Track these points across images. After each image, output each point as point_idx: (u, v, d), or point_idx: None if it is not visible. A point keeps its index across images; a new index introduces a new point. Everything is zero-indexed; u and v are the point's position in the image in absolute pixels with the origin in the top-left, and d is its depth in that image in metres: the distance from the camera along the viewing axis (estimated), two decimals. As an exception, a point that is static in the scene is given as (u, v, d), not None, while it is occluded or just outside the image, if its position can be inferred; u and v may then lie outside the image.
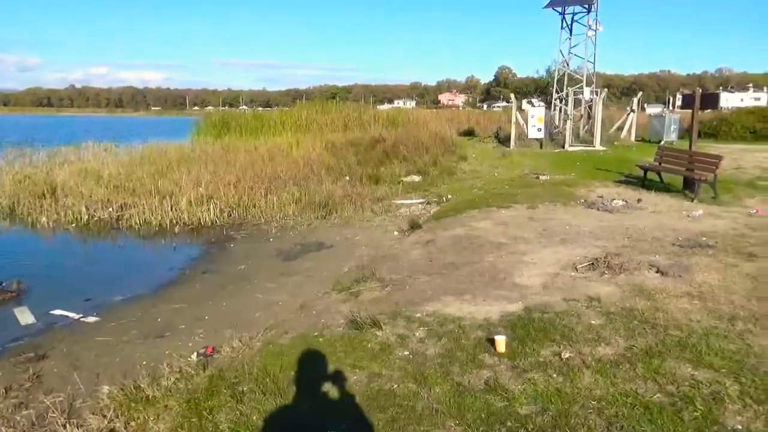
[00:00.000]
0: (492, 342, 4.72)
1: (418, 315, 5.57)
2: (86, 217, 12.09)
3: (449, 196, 13.16)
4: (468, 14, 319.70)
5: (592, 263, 6.85)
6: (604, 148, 22.39)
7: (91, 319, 6.63)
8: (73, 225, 11.80)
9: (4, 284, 7.66)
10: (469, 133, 32.47)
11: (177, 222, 11.87)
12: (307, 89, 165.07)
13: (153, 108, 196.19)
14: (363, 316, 5.41)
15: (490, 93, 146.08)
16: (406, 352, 4.74)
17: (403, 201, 13.26)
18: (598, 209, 10.50)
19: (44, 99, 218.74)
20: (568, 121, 23.44)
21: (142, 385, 4.40)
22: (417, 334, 5.11)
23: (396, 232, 10.15)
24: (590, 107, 25.17)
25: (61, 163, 19.57)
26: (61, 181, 14.69)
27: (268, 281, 7.84)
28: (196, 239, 10.85)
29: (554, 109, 27.02)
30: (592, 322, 5.14)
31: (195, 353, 5.23)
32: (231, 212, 12.56)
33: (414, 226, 10.18)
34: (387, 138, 22.17)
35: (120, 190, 13.75)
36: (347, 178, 15.94)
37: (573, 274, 6.65)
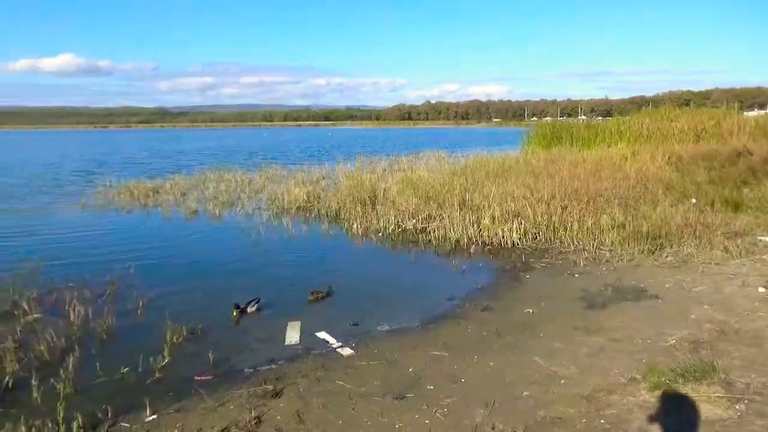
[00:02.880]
0: None
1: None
2: (392, 226, 12.03)
3: None
4: None
5: None
6: None
7: (347, 351, 5.89)
8: (379, 234, 11.84)
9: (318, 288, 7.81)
10: None
11: (475, 240, 10.79)
12: (655, 96, 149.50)
13: (494, 119, 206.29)
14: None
15: None
16: None
17: (776, 239, 9.49)
18: None
19: (405, 114, 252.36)
20: None
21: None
22: None
23: (762, 289, 6.97)
24: None
25: (393, 171, 21.01)
26: (383, 189, 15.31)
27: (557, 338, 5.95)
28: (490, 263, 9.54)
29: None
30: None
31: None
32: (537, 234, 10.88)
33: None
34: (755, 151, 17.18)
35: (430, 200, 13.45)
36: (692, 200, 12.51)
37: None
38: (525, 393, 4.67)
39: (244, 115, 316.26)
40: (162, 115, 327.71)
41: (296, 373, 5.33)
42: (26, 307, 7.04)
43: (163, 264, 9.74)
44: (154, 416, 4.54)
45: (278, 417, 4.46)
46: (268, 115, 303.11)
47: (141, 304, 7.30)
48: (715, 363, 4.50)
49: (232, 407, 4.66)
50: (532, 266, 9.14)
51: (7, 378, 5.17)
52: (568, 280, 8.27)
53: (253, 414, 4.46)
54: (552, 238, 10.64)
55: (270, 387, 5.01)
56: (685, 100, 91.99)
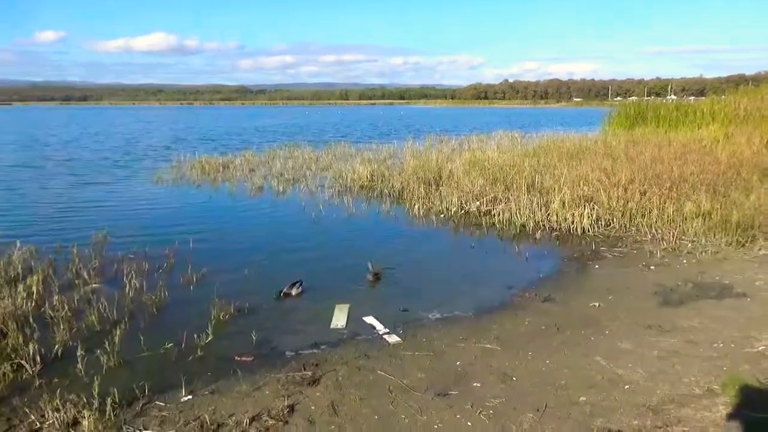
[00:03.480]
0: None
1: None
2: (455, 208, 11.56)
3: None
4: None
5: None
6: None
7: (393, 338, 5.59)
8: (441, 215, 11.42)
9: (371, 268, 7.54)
10: None
11: (543, 225, 10.16)
12: (757, 74, 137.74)
13: (575, 99, 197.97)
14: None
15: None
16: None
17: None
18: None
19: (482, 93, 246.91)
20: None
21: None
22: None
23: None
24: None
25: (462, 150, 20.37)
26: (449, 169, 14.81)
27: (625, 337, 5.38)
28: (557, 250, 8.92)
29: None
30: None
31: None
32: (610, 221, 10.10)
33: None
34: None
35: (497, 182, 12.85)
36: (794, 188, 11.22)
37: None
38: (582, 398, 4.20)
39: (320, 94, 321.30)
40: (243, 93, 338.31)
41: (337, 360, 5.09)
42: (86, 277, 7.23)
43: (222, 239, 9.81)
44: (189, 397, 4.43)
45: (312, 407, 4.24)
46: (344, 94, 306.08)
47: (194, 279, 7.32)
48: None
49: (267, 392, 4.48)
50: (602, 255, 8.45)
51: (57, 347, 5.25)
52: (642, 272, 7.56)
53: (287, 402, 4.25)
54: (627, 226, 9.84)
55: (309, 373, 4.80)
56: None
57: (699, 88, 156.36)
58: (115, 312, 6.11)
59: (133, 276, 7.17)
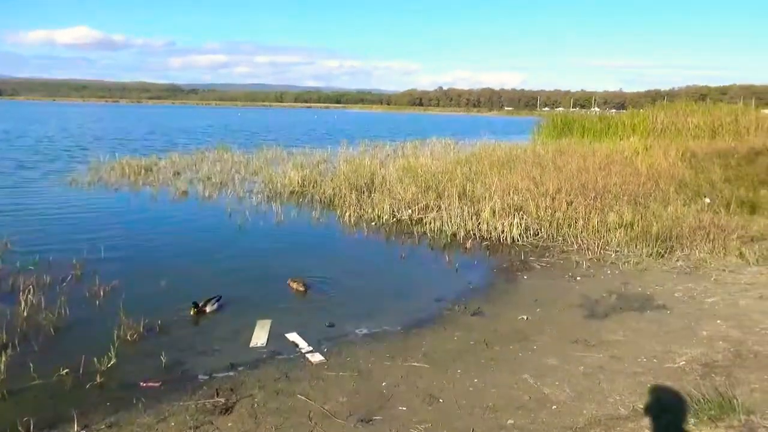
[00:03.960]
0: None
1: None
2: (386, 216, 11.39)
3: None
4: None
5: None
6: None
7: (316, 358, 5.27)
8: (373, 223, 11.20)
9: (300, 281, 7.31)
10: None
11: (473, 234, 10.14)
12: (671, 90, 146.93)
13: (506, 108, 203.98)
14: None
15: None
16: None
17: (797, 246, 8.78)
18: None
19: (417, 99, 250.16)
20: None
21: None
22: None
23: (783, 303, 6.30)
24: None
25: (396, 156, 20.27)
26: (382, 176, 14.63)
27: (552, 352, 5.32)
28: (487, 260, 8.89)
29: None
30: None
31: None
32: (538, 230, 10.21)
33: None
34: (776, 149, 16.43)
35: (430, 189, 12.77)
36: (706, 200, 11.78)
37: None
38: (510, 421, 4.05)
39: (255, 95, 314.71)
40: (173, 92, 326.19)
41: (255, 383, 4.72)
42: (-24, 293, 6.48)
43: (138, 248, 9.16)
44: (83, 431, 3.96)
45: (221, 440, 3.87)
46: (279, 96, 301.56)
47: (101, 293, 6.72)
48: (734, 398, 3.84)
49: (173, 424, 4.07)
50: (531, 266, 8.48)
51: (-71, 377, 4.60)
52: (569, 283, 7.62)
53: (193, 435, 3.87)
54: (554, 236, 9.97)
55: (222, 400, 4.41)
56: (701, 95, 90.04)
57: (620, 101, 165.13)
58: (4, 334, 5.44)
59: (32, 291, 6.50)
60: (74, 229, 10.23)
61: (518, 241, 9.81)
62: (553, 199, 11.45)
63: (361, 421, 4.10)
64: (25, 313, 5.96)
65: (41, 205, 12.58)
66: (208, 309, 6.30)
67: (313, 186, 14.69)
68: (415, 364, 5.11)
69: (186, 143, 30.00)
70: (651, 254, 8.60)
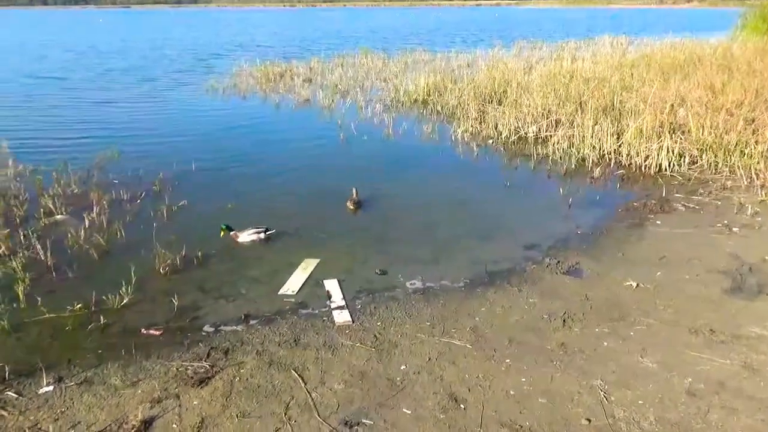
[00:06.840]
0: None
1: None
2: (507, 133, 9.76)
3: None
4: None
5: None
6: None
7: (342, 318, 4.38)
8: (490, 141, 9.69)
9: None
10: None
11: (608, 159, 8.23)
12: None
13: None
14: None
15: None
16: None
17: None
18: None
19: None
20: None
21: None
22: None
23: None
24: None
25: (552, 59, 17.69)
26: (517, 82, 12.67)
27: (654, 346, 3.81)
28: (615, 195, 7.10)
29: None
30: None
31: None
32: (697, 158, 7.96)
33: None
34: None
35: (570, 101, 10.70)
36: None
37: None
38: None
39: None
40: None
41: (255, 346, 4.00)
42: (52, 207, 6.53)
43: (228, 162, 8.74)
44: (50, 388, 3.57)
45: (174, 425, 3.20)
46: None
47: (166, 213, 6.43)
48: None
49: (139, 392, 3.51)
50: (672, 206, 6.56)
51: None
52: (719, 236, 5.68)
53: (148, 413, 3.27)
54: (719, 166, 7.69)
55: (207, 366, 3.76)
56: None
57: None
58: (49, 255, 5.31)
59: (105, 207, 6.44)
60: (176, 140, 10.12)
61: (666, 171, 7.74)
62: (731, 115, 8.88)
63: (344, 423, 3.17)
64: (83, 234, 5.82)
65: (164, 112, 12.81)
66: (240, 239, 5.68)
67: (441, 94, 13.27)
68: (456, 342, 3.98)
69: (336, 46, 29.51)
70: None
